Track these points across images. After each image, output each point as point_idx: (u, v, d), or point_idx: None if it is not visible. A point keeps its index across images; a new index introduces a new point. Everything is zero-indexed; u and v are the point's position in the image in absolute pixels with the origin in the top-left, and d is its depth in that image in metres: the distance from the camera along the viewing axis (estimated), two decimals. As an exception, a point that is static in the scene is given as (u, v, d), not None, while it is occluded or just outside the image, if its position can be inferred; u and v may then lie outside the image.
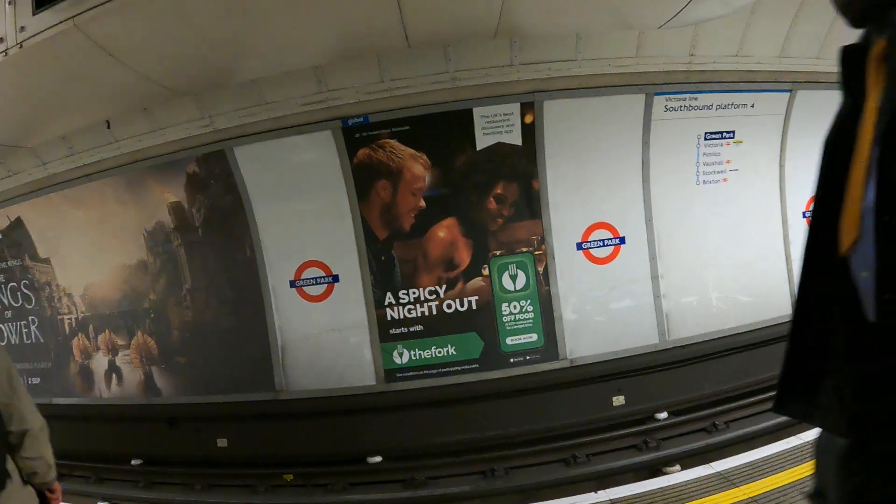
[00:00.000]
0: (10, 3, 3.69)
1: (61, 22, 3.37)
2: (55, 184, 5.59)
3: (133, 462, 5.66)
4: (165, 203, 5.32)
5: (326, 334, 4.76)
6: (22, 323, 6.62)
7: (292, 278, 4.78)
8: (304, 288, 4.76)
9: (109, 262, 5.81)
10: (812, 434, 3.00)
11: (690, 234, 4.65)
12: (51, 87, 4.05)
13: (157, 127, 4.98)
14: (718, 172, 4.67)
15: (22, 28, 3.58)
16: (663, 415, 4.77)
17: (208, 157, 4.96)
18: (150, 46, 3.68)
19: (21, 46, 3.62)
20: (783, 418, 5.02)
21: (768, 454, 3.11)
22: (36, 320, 6.49)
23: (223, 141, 4.81)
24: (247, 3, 3.35)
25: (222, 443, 5.44)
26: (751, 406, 5.07)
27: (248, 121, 4.70)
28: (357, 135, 4.44)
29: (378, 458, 4.73)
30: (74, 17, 3.31)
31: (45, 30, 3.44)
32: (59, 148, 5.32)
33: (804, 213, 4.99)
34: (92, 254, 5.93)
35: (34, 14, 3.52)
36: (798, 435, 3.32)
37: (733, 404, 5.02)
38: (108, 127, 5.02)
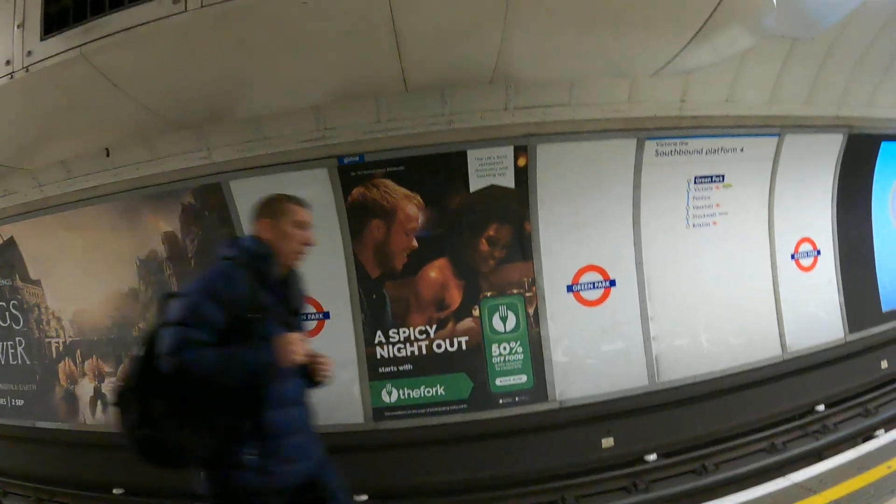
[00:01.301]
0: (19, 27, 3.69)
1: (69, 49, 3.37)
2: (50, 206, 5.56)
3: (115, 491, 5.57)
4: (160, 232, 5.31)
5: (316, 370, 4.72)
6: (9, 343, 6.54)
7: (283, 313, 4.75)
8: (296, 324, 4.73)
9: (100, 288, 5.77)
10: (800, 476, 3.03)
11: (681, 277, 4.68)
12: (54, 112, 4.07)
13: (155, 156, 4.99)
14: (708, 216, 4.73)
15: (29, 52, 3.57)
16: (653, 456, 4.74)
17: (205, 188, 4.97)
18: (155, 79, 3.71)
19: (27, 71, 3.60)
20: (773, 459, 5.05)
21: (758, 495, 3.10)
22: (23, 342, 6.41)
23: (220, 174, 4.82)
24: (253, 43, 3.39)
25: (207, 476, 5.37)
26: (741, 447, 5.07)
27: (245, 155, 4.72)
28: (352, 173, 4.47)
29: (364, 497, 4.66)
30: (82, 45, 3.31)
31: (52, 56, 3.44)
32: (57, 171, 5.31)
33: (792, 255, 5.06)
34: (83, 278, 5.90)
35: (42, 39, 3.52)
36: (788, 476, 3.32)
37: (723, 445, 5.02)
38: (108, 155, 5.04)
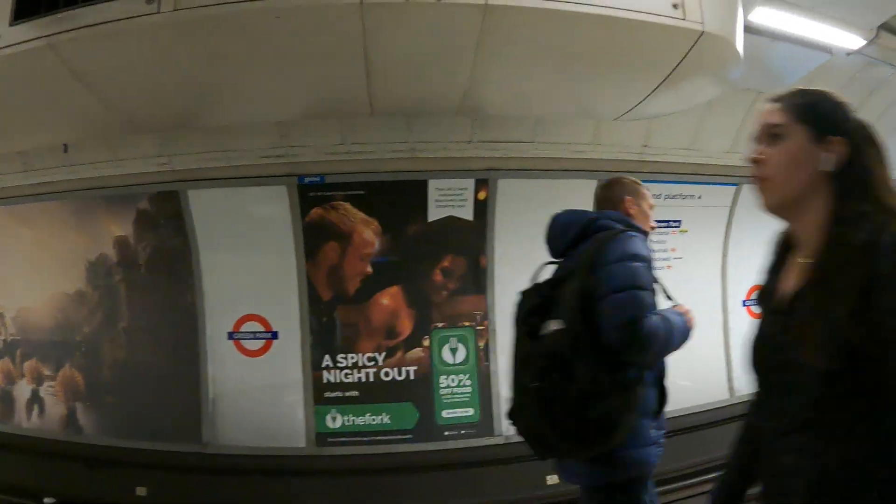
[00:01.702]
0: None
1: (37, 38, 3.22)
2: (5, 197, 5.36)
3: (46, 500, 5.30)
4: (112, 236, 5.15)
5: (260, 391, 4.61)
6: (-54, 337, 6.23)
7: (231, 330, 4.64)
8: (241, 341, 4.62)
9: (46, 288, 5.56)
10: None
11: (632, 319, 4.71)
12: (16, 102, 3.89)
13: (115, 158, 4.86)
14: (663, 259, 4.79)
15: (-2, 36, 3.43)
16: (597, 496, 4.74)
17: (161, 195, 4.85)
18: (122, 79, 3.60)
19: (-7, 55, 3.46)
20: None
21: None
22: (-38, 337, 6.11)
23: (179, 182, 4.72)
24: (224, 53, 3.33)
25: (141, 491, 5.16)
26: (688, 488, 5.12)
27: (206, 165, 4.63)
28: (312, 193, 4.41)
29: (303, 524, 4.55)
30: (51, 35, 3.17)
31: (20, 42, 3.28)
32: (14, 163, 5.12)
33: (744, 302, 5.15)
34: (30, 276, 5.67)
35: (11, 24, 3.37)
36: None
37: (671, 486, 5.05)
38: (66, 150, 4.88)
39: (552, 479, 4.68)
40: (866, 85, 5.61)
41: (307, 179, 4.39)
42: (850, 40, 4.36)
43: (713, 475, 5.39)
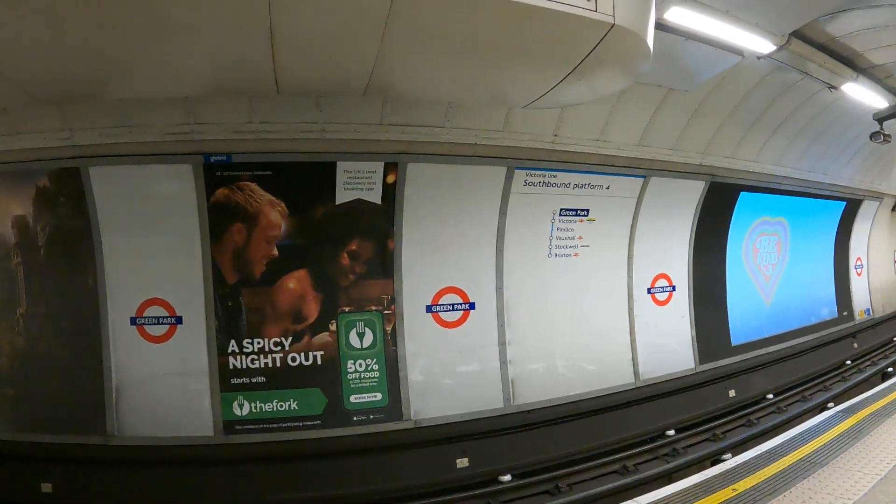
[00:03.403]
0: None
1: None
2: None
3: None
4: (10, 216, 4.83)
5: (165, 378, 4.44)
6: None
7: (134, 315, 4.46)
8: (145, 327, 4.45)
9: (-61, 272, 5.16)
10: (649, 498, 3.12)
11: (540, 304, 4.86)
12: None
13: (12, 131, 4.55)
14: (571, 247, 4.96)
15: None
16: (507, 477, 4.85)
17: (62, 172, 4.59)
18: (15, 46, 3.38)
19: None
20: (625, 480, 5.32)
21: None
22: None
23: (81, 158, 4.47)
24: (119, 22, 3.17)
25: (46, 488, 4.89)
26: (594, 469, 5.30)
27: (109, 140, 4.40)
28: (218, 173, 4.29)
29: (209, 514, 4.43)
30: None
31: None
32: None
33: (649, 290, 5.40)
34: (-78, 259, 5.25)
35: None
36: (636, 499, 3.49)
37: (577, 467, 5.22)
38: None
39: (462, 462, 4.77)
40: (775, 88, 5.98)
41: (213, 158, 4.27)
42: (762, 45, 4.52)
43: (619, 455, 5.63)
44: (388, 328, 4.46)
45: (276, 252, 4.30)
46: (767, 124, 6.20)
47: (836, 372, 8.28)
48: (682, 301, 5.75)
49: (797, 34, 4.82)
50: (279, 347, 4.34)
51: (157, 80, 3.90)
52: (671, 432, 5.74)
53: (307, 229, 4.31)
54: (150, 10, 3.02)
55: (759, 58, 4.88)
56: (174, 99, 4.19)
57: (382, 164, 4.32)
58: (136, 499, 4.55)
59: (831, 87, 5.66)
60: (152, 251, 4.44)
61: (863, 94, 5.74)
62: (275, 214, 4.27)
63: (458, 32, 3.34)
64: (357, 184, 4.30)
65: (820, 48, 5.24)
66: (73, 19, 3.17)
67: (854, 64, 5.62)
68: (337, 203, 4.31)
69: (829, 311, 8.56)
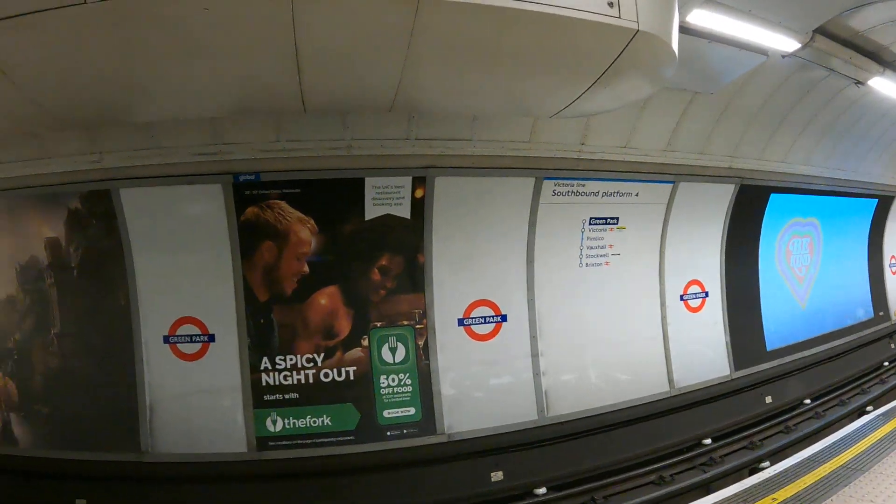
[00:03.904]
0: None
1: None
2: (-68, 196, 5.08)
3: (-17, 520, 5.06)
4: (42, 237, 4.94)
5: (198, 395, 4.49)
6: None
7: (166, 333, 4.51)
8: (178, 345, 4.50)
9: (-24, 294, 5.29)
10: None
11: (572, 315, 4.80)
12: None
13: (44, 155, 4.66)
14: (601, 256, 4.89)
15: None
16: (542, 490, 4.79)
17: (93, 195, 4.68)
18: (44, 71, 3.45)
19: None
20: (662, 491, 5.22)
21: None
22: None
23: (111, 180, 4.55)
24: (143, 46, 3.22)
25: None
26: (630, 480, 5.21)
27: (138, 163, 4.48)
28: (247, 192, 4.33)
29: (245, 531, 4.45)
30: None
31: None
32: None
33: (681, 297, 5.30)
34: (-42, 282, 5.39)
35: None
36: None
37: (613, 479, 5.13)
38: None
39: (497, 476, 4.72)
40: (801, 86, 5.85)
41: (242, 178, 4.30)
42: (786, 43, 4.46)
43: (655, 466, 5.53)
44: (421, 342, 4.44)
45: (306, 269, 4.31)
46: (794, 123, 6.07)
47: (874, 374, 8.05)
48: (715, 307, 5.63)
49: (820, 30, 4.73)
50: (312, 363, 4.34)
51: (184, 102, 3.95)
52: (708, 441, 5.62)
53: (337, 245, 4.32)
54: (177, 30, 3.06)
55: (783, 56, 4.79)
56: (202, 120, 4.23)
57: (410, 178, 4.31)
58: (172, 514, 4.59)
59: (858, 82, 5.52)
60: (184, 270, 4.49)
61: (890, 88, 5.59)
62: (304, 231, 4.29)
63: (482, 45, 3.31)
64: (386, 199, 4.30)
65: (844, 44, 5.13)
66: (96, 43, 3.23)
67: (879, 58, 5.48)
68: (366, 219, 4.31)
69: (864, 311, 8.33)
